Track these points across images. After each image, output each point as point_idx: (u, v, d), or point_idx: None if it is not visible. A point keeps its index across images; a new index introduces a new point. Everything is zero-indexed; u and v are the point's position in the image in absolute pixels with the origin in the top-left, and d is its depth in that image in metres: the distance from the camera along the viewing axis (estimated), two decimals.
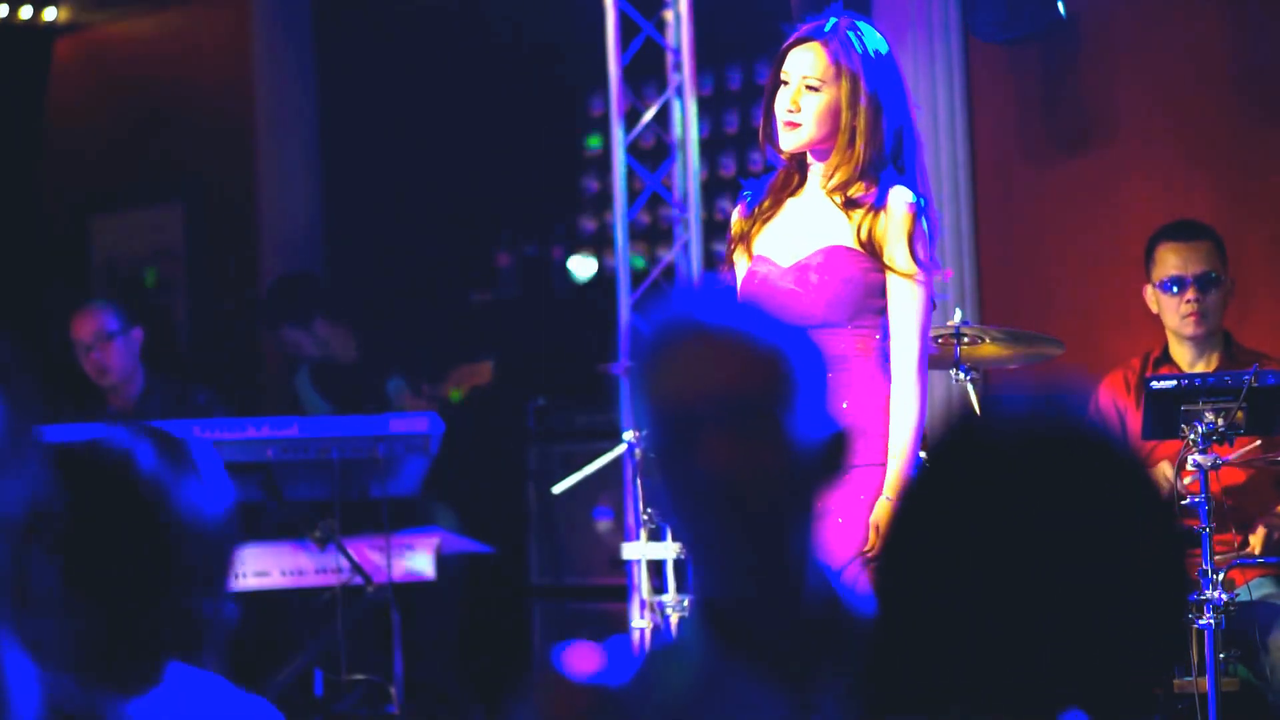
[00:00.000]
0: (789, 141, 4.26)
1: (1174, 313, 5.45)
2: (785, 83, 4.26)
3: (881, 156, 4.20)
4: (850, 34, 4.22)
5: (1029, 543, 1.47)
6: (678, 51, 6.99)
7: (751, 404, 1.88)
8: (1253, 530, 5.18)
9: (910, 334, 4.15)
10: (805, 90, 4.22)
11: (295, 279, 7.91)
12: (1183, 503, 4.55)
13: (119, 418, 6.74)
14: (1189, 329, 5.45)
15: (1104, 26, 6.65)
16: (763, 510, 1.89)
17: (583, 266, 7.96)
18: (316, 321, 7.45)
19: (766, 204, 4.34)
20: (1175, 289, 5.45)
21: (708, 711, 1.89)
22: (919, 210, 4.15)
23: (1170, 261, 5.46)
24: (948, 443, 1.56)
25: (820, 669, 1.90)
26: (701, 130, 7.25)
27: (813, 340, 1.94)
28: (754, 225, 4.34)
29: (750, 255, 4.34)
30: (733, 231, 4.38)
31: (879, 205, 4.17)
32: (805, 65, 4.23)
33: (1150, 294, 5.54)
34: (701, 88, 7.32)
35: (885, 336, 4.19)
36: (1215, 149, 6.45)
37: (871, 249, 4.17)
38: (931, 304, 4.25)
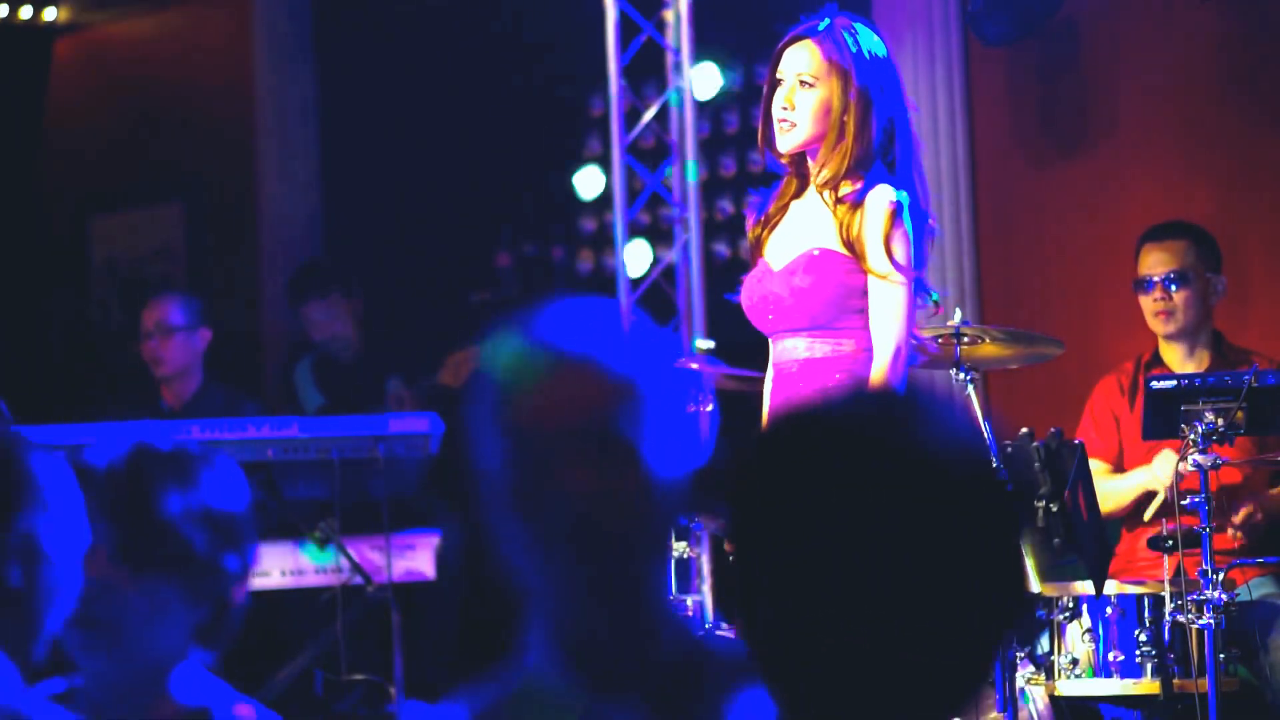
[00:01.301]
0: (785, 143, 4.25)
1: (1147, 313, 5.55)
2: (781, 81, 4.26)
3: (870, 153, 4.19)
4: (844, 32, 4.22)
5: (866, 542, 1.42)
6: (678, 51, 6.99)
7: (607, 433, 1.81)
8: (1238, 497, 5.21)
9: (886, 334, 4.12)
10: (800, 87, 4.22)
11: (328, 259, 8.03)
12: (1184, 501, 4.56)
13: (171, 414, 6.76)
14: (1159, 328, 5.55)
15: (1104, 27, 6.65)
16: (617, 542, 1.82)
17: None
18: (357, 295, 7.47)
19: (773, 210, 4.35)
20: (1146, 289, 5.52)
21: None
22: (898, 209, 4.13)
23: (1144, 263, 5.57)
24: (777, 441, 1.49)
25: (694, 712, 1.83)
26: (701, 130, 7.25)
27: (676, 373, 1.88)
28: (764, 231, 4.34)
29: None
30: (749, 241, 4.40)
31: (858, 203, 4.16)
32: (800, 63, 4.23)
33: None
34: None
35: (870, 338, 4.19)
36: (1215, 149, 6.45)
37: (853, 249, 4.16)
38: (922, 303, 4.23)
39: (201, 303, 7.18)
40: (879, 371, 4.12)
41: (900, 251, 4.11)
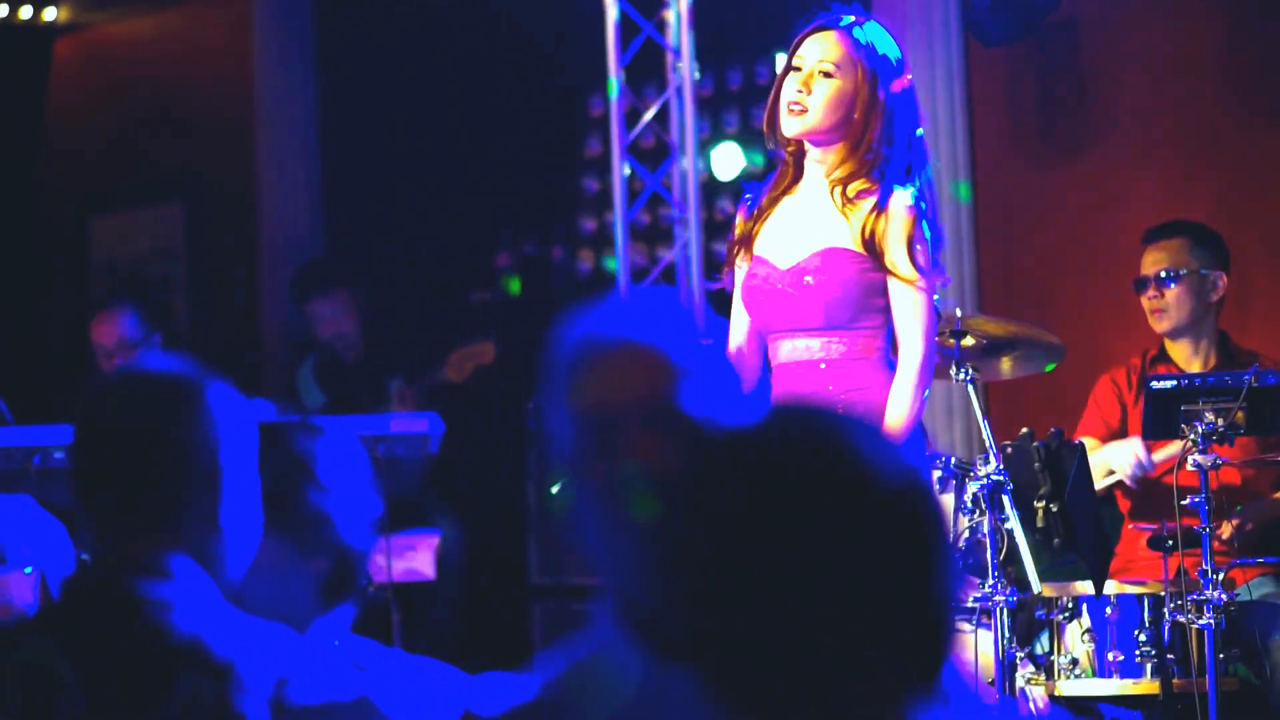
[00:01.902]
0: (792, 126, 4.22)
1: (1146, 312, 5.56)
2: (798, 69, 4.23)
3: (889, 156, 4.18)
4: (871, 33, 4.22)
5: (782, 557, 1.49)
6: (678, 51, 6.99)
7: (669, 410, 1.97)
8: (1229, 517, 5.22)
9: (914, 339, 4.12)
10: (819, 75, 4.19)
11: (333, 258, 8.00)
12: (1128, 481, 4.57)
13: None
14: (1155, 326, 5.59)
15: (1104, 27, 6.65)
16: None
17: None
18: (361, 293, 7.45)
19: (765, 202, 4.33)
20: (1142, 289, 5.59)
21: None
22: (919, 214, 4.13)
23: (1142, 264, 5.63)
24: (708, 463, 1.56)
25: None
26: (701, 130, 7.25)
27: (703, 340, 2.03)
28: (755, 226, 4.33)
29: (750, 257, 4.33)
30: (735, 234, 4.37)
31: (882, 207, 4.15)
32: (821, 51, 4.20)
33: None
34: (702, 88, 7.32)
35: (888, 337, 4.18)
36: (1215, 149, 6.45)
37: (872, 249, 4.15)
38: (935, 309, 4.24)
39: (144, 307, 7.12)
40: (905, 374, 4.11)
41: (923, 256, 4.11)
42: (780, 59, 4.38)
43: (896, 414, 4.08)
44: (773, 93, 4.29)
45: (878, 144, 4.16)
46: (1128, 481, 5.34)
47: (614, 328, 2.05)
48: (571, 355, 2.04)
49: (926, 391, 4.16)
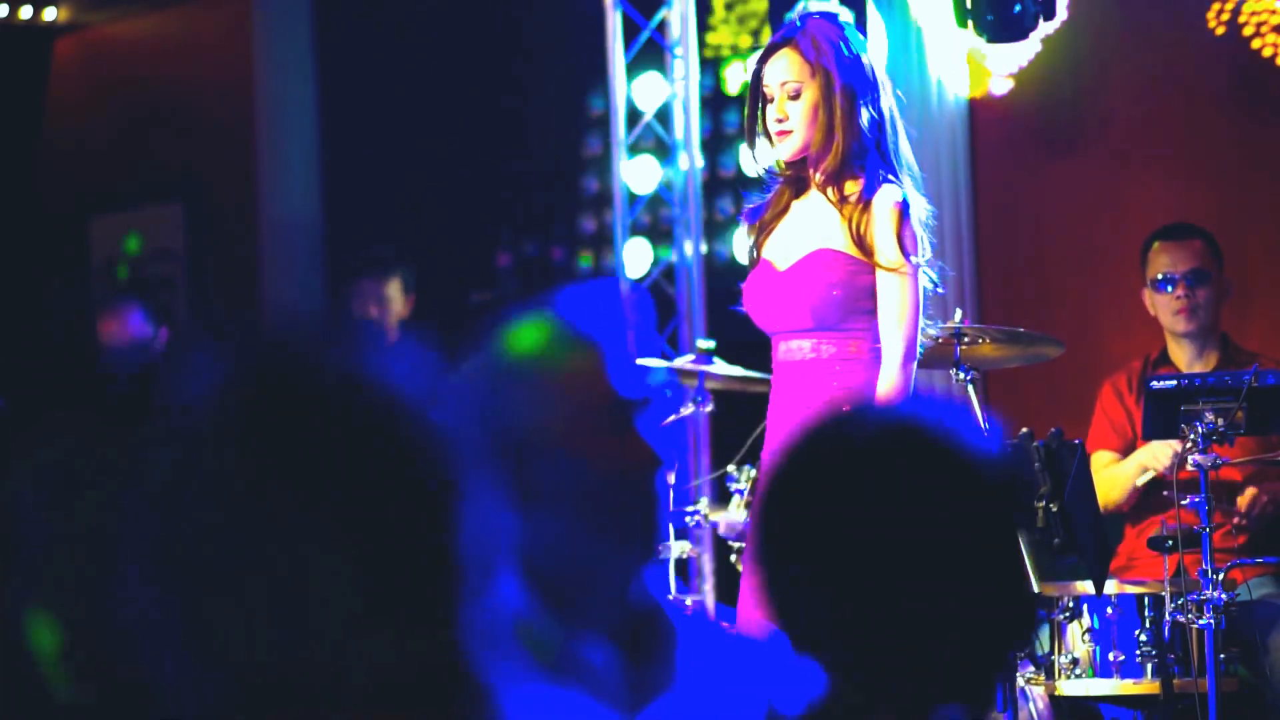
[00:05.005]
0: (785, 150, 4.26)
1: (1167, 310, 5.50)
2: (770, 98, 4.28)
3: (863, 145, 4.20)
4: (819, 32, 4.24)
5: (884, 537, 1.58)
6: (677, 52, 6.99)
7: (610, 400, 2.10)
8: (1241, 493, 5.21)
9: (896, 329, 4.12)
10: (788, 99, 4.24)
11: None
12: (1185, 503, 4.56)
13: None
14: (1181, 325, 5.50)
15: (1104, 27, 6.65)
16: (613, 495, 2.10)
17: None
18: (411, 295, 7.33)
19: (769, 215, 4.35)
20: (1168, 287, 5.50)
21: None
22: (905, 208, 4.15)
23: (1162, 261, 5.52)
24: (814, 442, 1.64)
25: (654, 655, 2.04)
26: (702, 130, 7.25)
27: (619, 323, 2.21)
28: (761, 236, 4.34)
29: (759, 263, 4.35)
30: (747, 245, 4.40)
31: (866, 200, 4.17)
32: (781, 72, 4.25)
33: (1147, 296, 5.58)
34: (702, 88, 7.32)
35: (877, 338, 4.19)
36: (1215, 149, 6.45)
37: (863, 246, 4.16)
38: (926, 297, 4.23)
39: (147, 302, 7.05)
40: (890, 365, 4.11)
41: (910, 246, 4.12)
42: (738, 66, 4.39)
43: (883, 394, 4.09)
44: (747, 125, 4.32)
45: (845, 134, 4.19)
46: (1165, 474, 5.20)
47: (570, 320, 2.24)
48: (527, 340, 2.24)
49: (913, 375, 4.16)
